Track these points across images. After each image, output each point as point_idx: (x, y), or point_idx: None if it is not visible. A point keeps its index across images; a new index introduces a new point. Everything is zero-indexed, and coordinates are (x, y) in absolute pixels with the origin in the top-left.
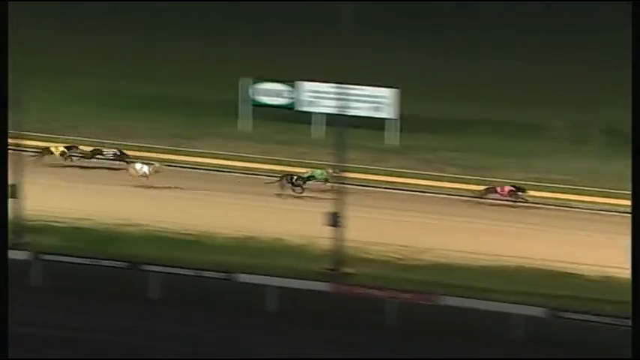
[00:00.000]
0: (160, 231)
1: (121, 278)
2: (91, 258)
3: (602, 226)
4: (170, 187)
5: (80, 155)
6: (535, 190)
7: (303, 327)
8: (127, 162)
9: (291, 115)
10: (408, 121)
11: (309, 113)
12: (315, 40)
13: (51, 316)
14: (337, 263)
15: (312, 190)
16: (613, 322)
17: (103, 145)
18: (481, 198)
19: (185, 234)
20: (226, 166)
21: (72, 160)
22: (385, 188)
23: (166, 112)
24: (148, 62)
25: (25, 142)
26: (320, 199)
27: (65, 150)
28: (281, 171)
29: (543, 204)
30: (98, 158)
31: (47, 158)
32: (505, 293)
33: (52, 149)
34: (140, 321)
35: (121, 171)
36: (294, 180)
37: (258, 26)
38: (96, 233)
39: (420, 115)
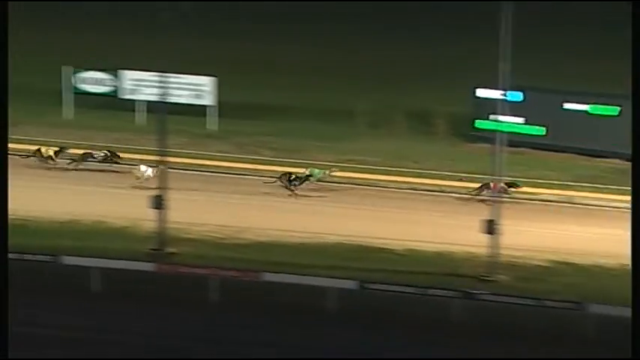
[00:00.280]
0: None
1: None
2: None
3: (410, 204)
4: None
5: (71, 158)
6: (349, 171)
7: (128, 305)
8: (118, 163)
9: (115, 103)
10: (227, 107)
11: (133, 101)
12: (138, 30)
13: None
14: (161, 244)
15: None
16: (416, 292)
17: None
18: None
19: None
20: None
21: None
22: (205, 171)
23: None
24: None
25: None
26: (146, 188)
27: (52, 154)
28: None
29: (355, 184)
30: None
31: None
32: (322, 268)
33: (43, 151)
34: None
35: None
36: (291, 179)
37: (80, 17)
38: None
39: (239, 102)
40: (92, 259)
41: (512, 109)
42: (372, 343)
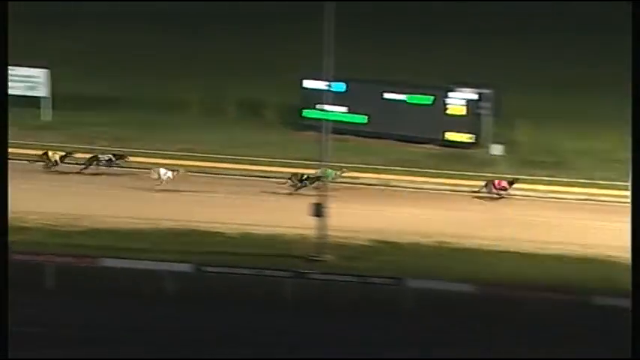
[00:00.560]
0: None
1: None
2: None
3: (242, 190)
4: None
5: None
6: (181, 159)
7: None
8: (122, 167)
9: None
10: (61, 99)
11: None
12: None
13: None
14: None
15: None
16: (249, 273)
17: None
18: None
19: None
20: None
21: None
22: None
23: None
24: None
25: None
26: None
27: (58, 158)
28: None
29: (190, 172)
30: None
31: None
32: (158, 253)
33: (50, 155)
34: None
35: None
36: (302, 178)
37: None
38: None
39: (74, 93)
40: None
41: (337, 99)
42: (209, 323)
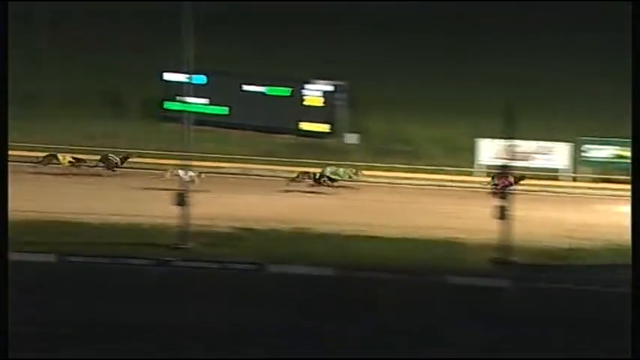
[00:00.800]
0: None
1: None
2: None
3: (104, 180)
4: None
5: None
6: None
7: None
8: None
9: None
10: None
11: None
12: None
13: None
14: None
15: None
16: (112, 262)
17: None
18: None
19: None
20: None
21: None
22: None
23: None
24: None
25: None
26: None
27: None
28: None
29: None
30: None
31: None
32: (19, 244)
33: (60, 158)
34: None
35: None
36: (316, 177)
37: None
38: None
39: None
40: None
41: (198, 91)
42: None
